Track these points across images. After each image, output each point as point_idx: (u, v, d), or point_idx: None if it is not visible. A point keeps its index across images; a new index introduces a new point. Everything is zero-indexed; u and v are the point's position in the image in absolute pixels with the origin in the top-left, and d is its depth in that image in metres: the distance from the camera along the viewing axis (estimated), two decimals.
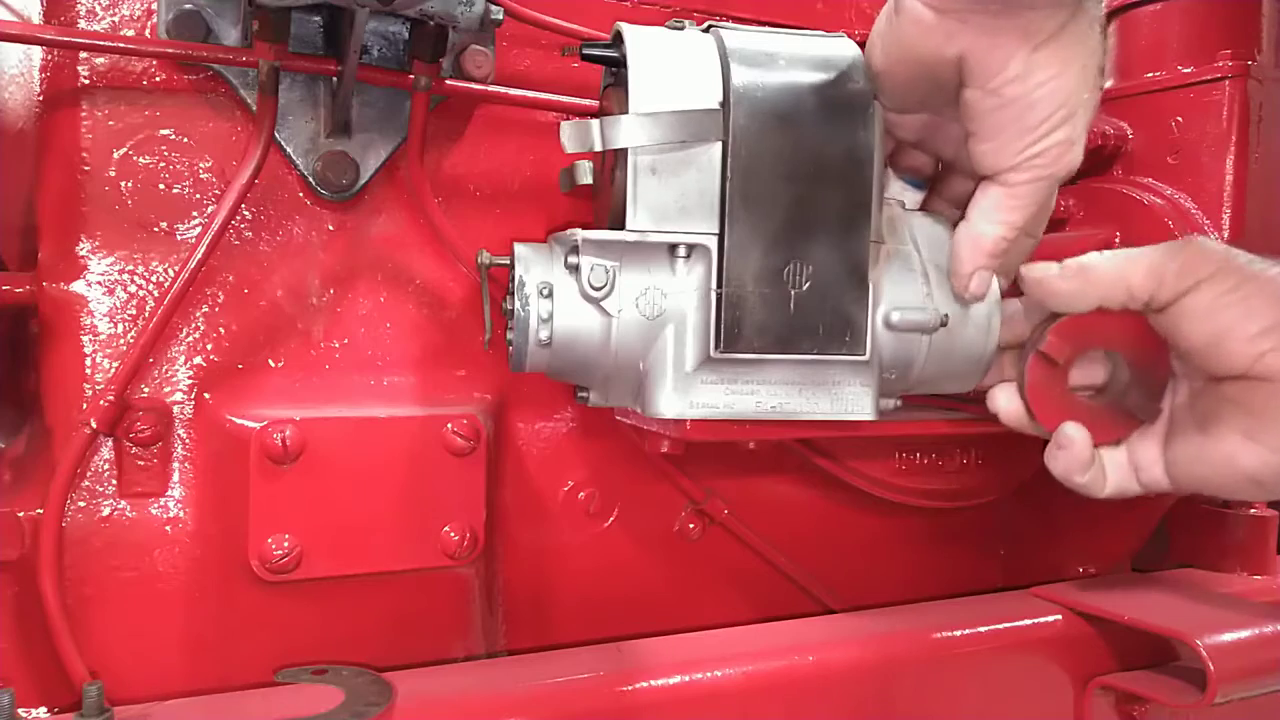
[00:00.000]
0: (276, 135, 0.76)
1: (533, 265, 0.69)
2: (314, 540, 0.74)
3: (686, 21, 0.72)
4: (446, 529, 0.78)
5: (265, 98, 0.74)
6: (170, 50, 0.72)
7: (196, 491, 0.75)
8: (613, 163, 0.69)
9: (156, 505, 0.75)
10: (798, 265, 0.67)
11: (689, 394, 0.68)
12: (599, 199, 0.76)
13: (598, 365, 0.70)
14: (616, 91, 0.71)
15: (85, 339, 0.74)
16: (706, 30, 0.71)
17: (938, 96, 0.68)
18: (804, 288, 0.67)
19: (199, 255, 0.73)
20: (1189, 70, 0.99)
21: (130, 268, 0.75)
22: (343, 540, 0.75)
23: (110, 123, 0.74)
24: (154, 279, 0.75)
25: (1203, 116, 0.97)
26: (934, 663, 0.85)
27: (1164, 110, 1.01)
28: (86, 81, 0.73)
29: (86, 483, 0.73)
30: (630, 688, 0.73)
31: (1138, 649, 0.93)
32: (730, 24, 0.72)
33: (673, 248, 0.68)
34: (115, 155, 0.74)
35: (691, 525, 0.95)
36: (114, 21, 0.74)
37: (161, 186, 0.75)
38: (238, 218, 0.77)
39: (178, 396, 0.76)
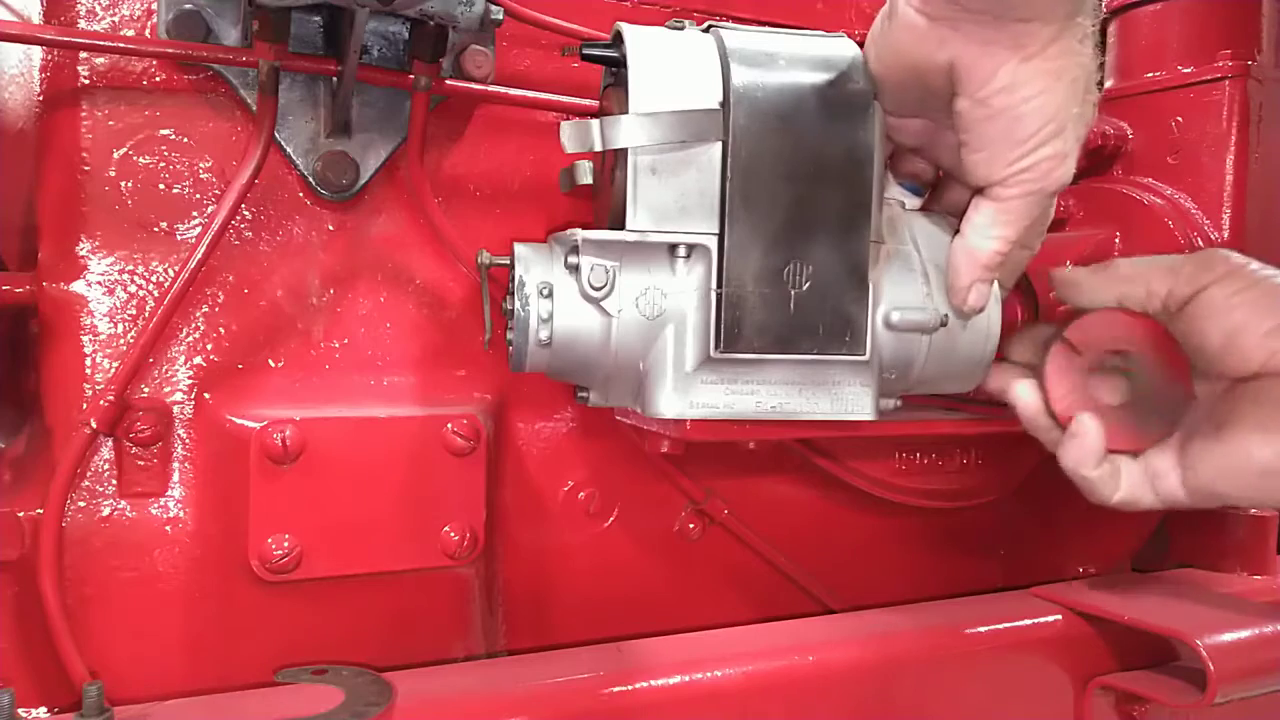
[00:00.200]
0: (276, 135, 0.76)
1: (533, 265, 0.69)
2: (314, 540, 0.74)
3: (686, 21, 0.72)
4: (446, 529, 0.78)
5: (265, 98, 0.74)
6: (170, 50, 0.72)
7: (196, 491, 0.75)
8: (613, 163, 0.69)
9: (156, 505, 0.75)
10: (798, 265, 0.67)
11: (689, 394, 0.68)
12: (599, 199, 0.76)
13: (598, 365, 0.70)
14: (616, 91, 0.71)
15: (85, 339, 0.74)
16: (706, 30, 0.71)
17: (932, 102, 0.68)
18: (804, 288, 0.68)
19: (199, 255, 0.73)
20: (1189, 70, 0.99)
21: (130, 268, 0.75)
22: (343, 540, 0.75)
23: (110, 123, 0.74)
24: (154, 279, 0.75)
25: (1203, 116, 0.97)
26: (934, 663, 0.85)
27: (1164, 110, 1.01)
28: (86, 81, 0.73)
29: (86, 483, 0.73)
30: (630, 688, 0.73)
31: (1138, 649, 0.93)
32: (730, 24, 0.72)
33: (673, 248, 0.68)
34: (115, 155, 0.74)
35: (691, 525, 0.95)
36: (114, 21, 0.74)
37: (161, 186, 0.75)
38: (238, 218, 0.77)
39: (178, 396, 0.76)
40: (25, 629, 0.72)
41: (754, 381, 0.69)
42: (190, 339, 0.77)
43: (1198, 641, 0.81)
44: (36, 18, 0.76)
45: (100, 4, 0.74)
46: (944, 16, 0.61)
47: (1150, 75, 1.03)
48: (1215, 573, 1.07)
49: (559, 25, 0.83)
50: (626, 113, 0.66)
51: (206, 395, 0.76)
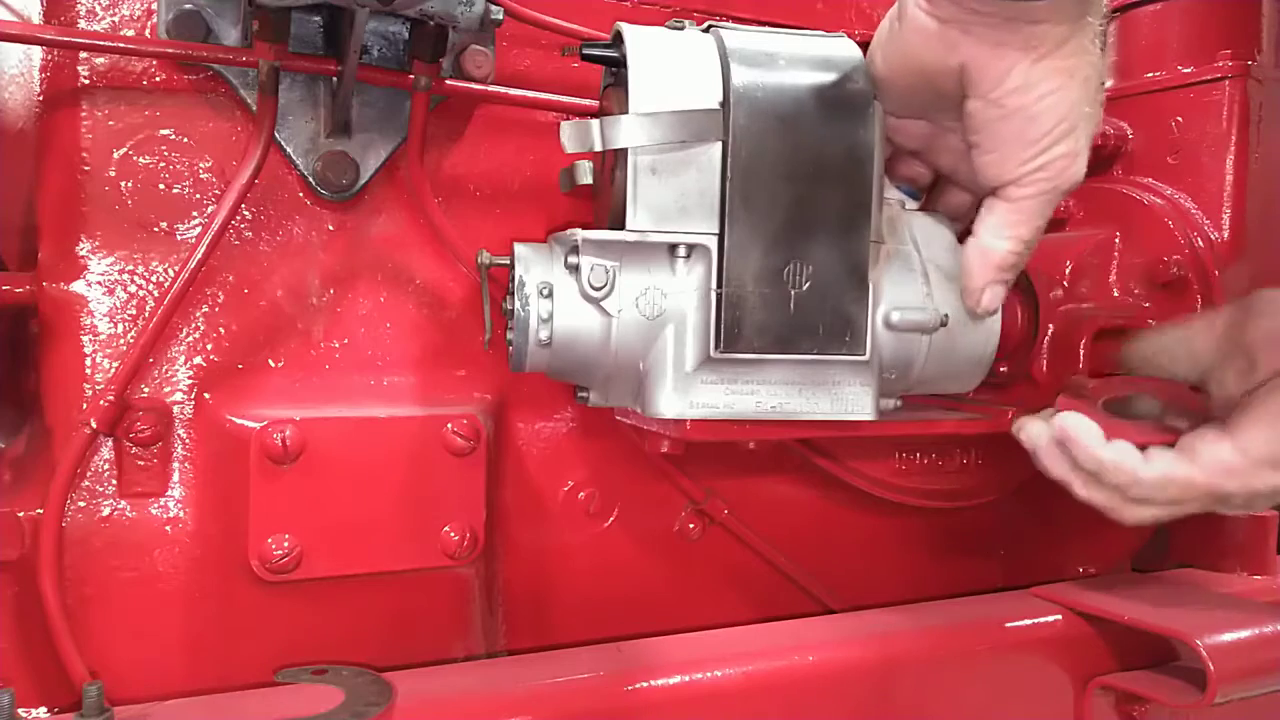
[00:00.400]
0: (276, 135, 0.76)
1: (533, 265, 0.69)
2: (314, 540, 0.74)
3: (686, 21, 0.72)
4: (446, 529, 0.78)
5: (265, 98, 0.74)
6: (170, 50, 0.72)
7: (196, 491, 0.75)
8: (613, 163, 0.69)
9: (156, 505, 0.75)
10: (798, 265, 0.67)
11: (689, 394, 0.68)
12: (599, 199, 0.76)
13: (598, 365, 0.70)
14: (616, 91, 0.71)
15: (85, 339, 0.74)
16: (706, 30, 0.71)
17: (938, 105, 0.68)
18: (804, 288, 0.68)
19: (199, 255, 0.73)
20: (1189, 70, 0.99)
21: (130, 268, 0.75)
22: (343, 540, 0.75)
23: (110, 123, 0.74)
24: (154, 279, 0.75)
25: (1203, 116, 0.98)
26: (934, 663, 0.85)
27: (1164, 110, 1.01)
28: (86, 81, 0.73)
29: (86, 483, 0.73)
30: (630, 688, 0.73)
31: (1138, 649, 0.93)
32: (730, 24, 0.72)
33: (673, 248, 0.68)
34: (115, 155, 0.74)
35: (691, 525, 0.95)
36: (114, 21, 0.74)
37: (161, 186, 0.75)
38: (238, 218, 0.77)
39: (178, 396, 0.76)
40: (25, 629, 0.72)
41: (754, 381, 0.69)
42: (190, 339, 0.77)
43: (1198, 641, 0.81)
44: (36, 18, 0.76)
45: (100, 4, 0.74)
46: (955, 19, 0.61)
47: (1150, 75, 1.03)
48: (1215, 573, 1.07)
49: (559, 25, 0.83)
50: (626, 113, 0.66)
51: (206, 395, 0.76)
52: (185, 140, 0.76)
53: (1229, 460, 0.68)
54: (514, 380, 0.85)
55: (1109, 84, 1.07)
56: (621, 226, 0.66)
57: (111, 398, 0.71)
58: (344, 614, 0.78)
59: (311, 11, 0.75)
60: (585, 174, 0.72)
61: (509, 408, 0.87)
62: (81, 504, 0.73)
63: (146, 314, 0.74)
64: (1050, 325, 0.94)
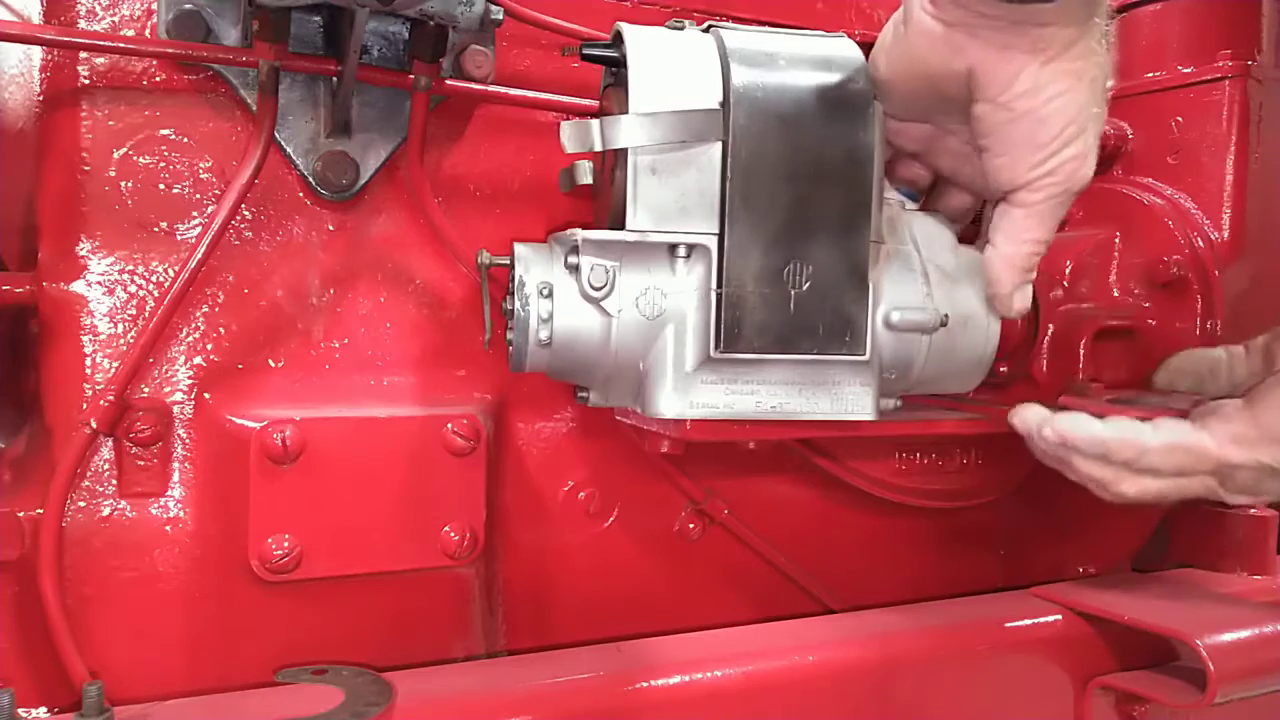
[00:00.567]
0: (276, 135, 0.76)
1: (533, 265, 0.69)
2: (314, 540, 0.74)
3: (686, 21, 0.72)
4: (446, 529, 0.78)
5: (265, 98, 0.74)
6: (170, 50, 0.72)
7: (196, 491, 0.75)
8: (613, 163, 0.69)
9: (156, 505, 0.75)
10: (798, 265, 0.67)
11: (689, 394, 0.68)
12: (599, 199, 0.76)
13: (598, 365, 0.70)
14: (616, 91, 0.71)
15: (85, 339, 0.74)
16: (706, 30, 0.71)
17: (942, 109, 0.68)
18: (804, 288, 0.68)
19: (199, 255, 0.73)
20: (1189, 70, 0.99)
21: (130, 268, 0.75)
22: (343, 540, 0.75)
23: (110, 123, 0.74)
24: (154, 279, 0.75)
25: (1203, 116, 0.98)
26: (934, 663, 0.85)
27: (1164, 110, 1.01)
28: (86, 81, 0.73)
29: (86, 483, 0.73)
30: (630, 688, 0.73)
31: (1138, 649, 0.93)
32: (730, 24, 0.72)
33: (673, 248, 0.68)
34: (115, 155, 0.74)
35: (691, 525, 0.95)
36: (114, 21, 0.74)
37: (161, 186, 0.75)
38: (238, 218, 0.77)
39: (178, 396, 0.76)
40: (25, 629, 0.72)
41: (754, 381, 0.69)
42: (190, 339, 0.77)
43: (1198, 641, 0.81)
44: (36, 18, 0.76)
45: (100, 4, 0.74)
46: (962, 23, 0.61)
47: (1150, 75, 1.03)
48: (1215, 573, 1.07)
49: (559, 25, 0.83)
50: (626, 113, 0.66)
51: (206, 395, 0.76)
52: (185, 140, 0.76)
53: (1242, 430, 0.69)
54: (514, 380, 0.85)
55: (1109, 84, 1.07)
56: (621, 226, 0.66)
57: (111, 398, 0.71)
58: (344, 614, 0.78)
59: (311, 11, 0.75)
60: (585, 174, 0.72)
61: (509, 408, 0.87)
62: (81, 504, 0.73)
63: (146, 314, 0.74)
64: (1050, 325, 0.94)
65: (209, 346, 0.77)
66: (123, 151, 0.74)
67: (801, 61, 0.68)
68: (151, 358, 0.75)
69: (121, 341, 0.74)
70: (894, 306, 0.71)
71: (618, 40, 0.70)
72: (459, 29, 0.68)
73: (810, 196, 0.67)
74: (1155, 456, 0.71)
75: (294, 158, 0.78)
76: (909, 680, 0.84)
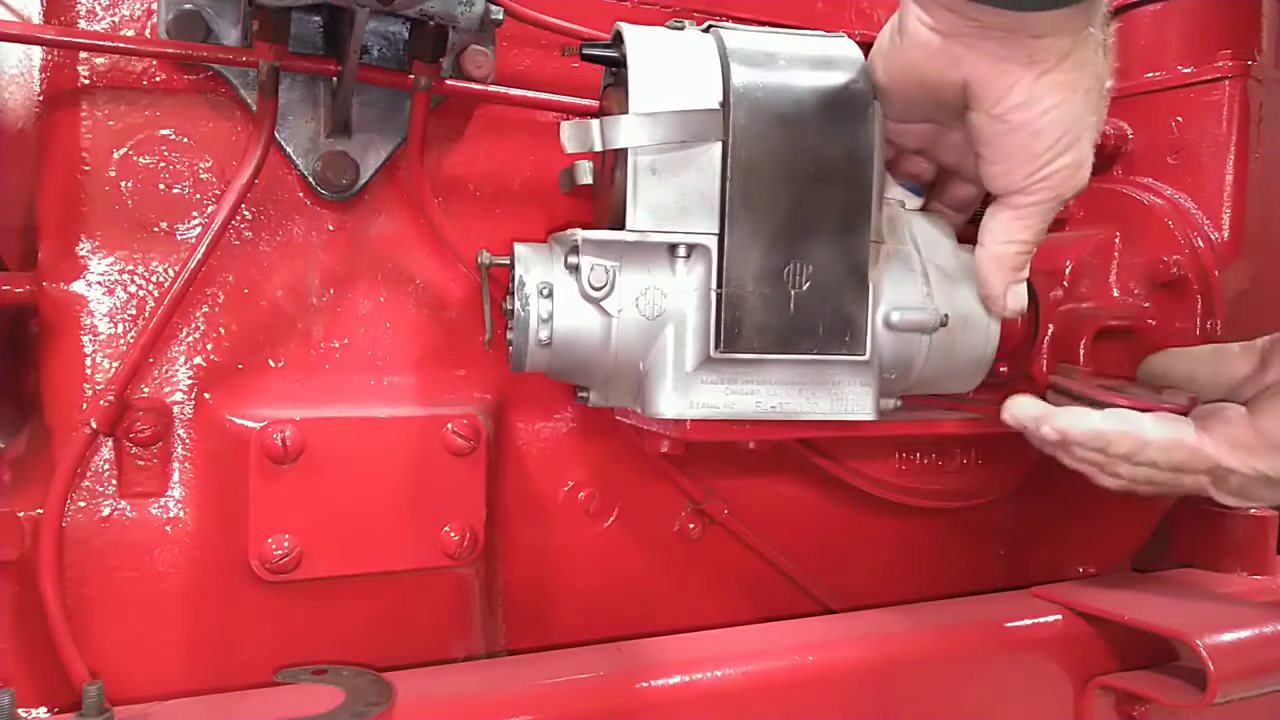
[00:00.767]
0: (276, 135, 0.76)
1: (533, 265, 0.69)
2: (314, 540, 0.74)
3: (686, 21, 0.72)
4: (446, 529, 0.78)
5: (265, 98, 0.74)
6: (170, 50, 0.72)
7: (196, 491, 0.75)
8: (613, 163, 0.69)
9: (156, 505, 0.75)
10: (798, 265, 0.67)
11: (689, 394, 0.68)
12: (599, 199, 0.76)
13: (598, 365, 0.70)
14: (616, 91, 0.71)
15: (85, 339, 0.74)
16: (706, 30, 0.71)
17: (940, 114, 0.69)
18: (804, 288, 0.68)
19: (199, 255, 0.73)
20: (1189, 70, 0.99)
21: (130, 268, 0.75)
22: (343, 540, 0.75)
23: (110, 123, 0.74)
24: (154, 279, 0.75)
25: (1203, 116, 0.97)
26: (934, 663, 0.85)
27: (1164, 110, 1.01)
28: (86, 81, 0.73)
29: (86, 483, 0.73)
30: (630, 688, 0.73)
31: (1138, 649, 0.93)
32: (730, 24, 0.72)
33: (673, 248, 0.68)
34: (115, 155, 0.74)
35: (691, 525, 0.95)
36: (114, 21, 0.74)
37: (161, 186, 0.75)
38: (238, 218, 0.77)
39: (178, 396, 0.76)
40: (25, 629, 0.72)
41: (754, 381, 0.69)
42: (190, 339, 0.77)
43: (1198, 641, 0.81)
44: (36, 18, 0.76)
45: (100, 4, 0.74)
46: (958, 34, 0.61)
47: (1150, 75, 1.03)
48: (1215, 573, 1.07)
49: (559, 25, 0.83)
50: (626, 113, 0.66)
51: (206, 395, 0.76)
52: (185, 140, 0.76)
53: (1241, 436, 0.69)
54: (514, 380, 0.85)
55: (1108, 84, 1.07)
56: (621, 226, 0.66)
57: (111, 398, 0.71)
58: (344, 614, 0.78)
59: (311, 11, 0.75)
60: (585, 174, 0.72)
61: (509, 408, 0.87)
62: (81, 504, 0.73)
63: (146, 314, 0.74)
64: (1050, 325, 0.94)
65: (209, 346, 0.77)
66: (123, 151, 0.74)
67: (801, 61, 0.68)
68: (151, 358, 0.75)
69: (121, 341, 0.74)
70: (894, 306, 0.71)
71: (618, 40, 0.70)
72: (459, 29, 0.68)
73: (810, 196, 0.67)
74: (1155, 451, 0.71)
75: (294, 158, 0.78)
76: (909, 680, 0.84)
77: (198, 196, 0.76)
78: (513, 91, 0.82)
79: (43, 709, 0.73)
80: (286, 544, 0.73)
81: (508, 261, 0.71)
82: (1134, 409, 0.73)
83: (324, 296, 0.81)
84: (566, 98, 0.84)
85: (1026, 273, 0.71)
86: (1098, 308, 0.97)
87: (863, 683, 0.82)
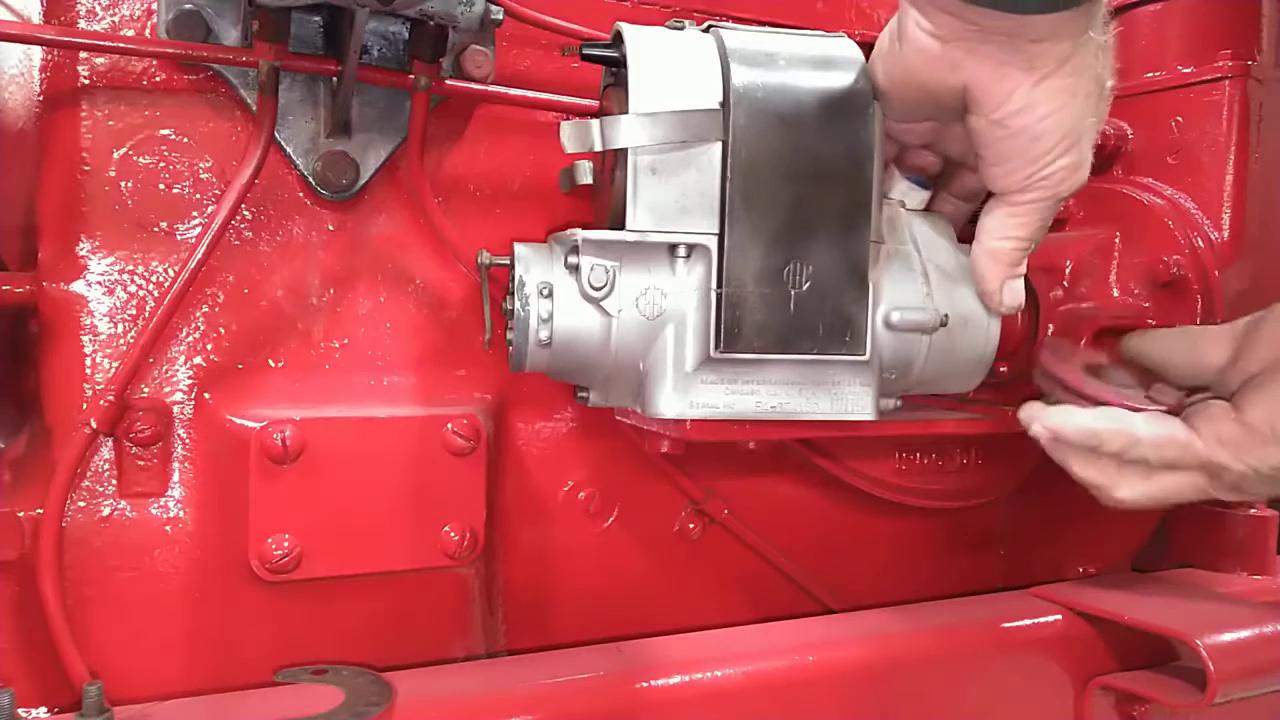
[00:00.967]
0: (276, 135, 0.76)
1: (533, 265, 0.69)
2: (314, 540, 0.74)
3: (686, 21, 0.72)
4: (446, 529, 0.78)
5: (265, 98, 0.74)
6: (170, 50, 0.72)
7: (196, 491, 0.75)
8: (613, 163, 0.69)
9: (156, 505, 0.75)
10: (798, 265, 0.67)
11: (689, 394, 0.68)
12: (599, 199, 0.76)
13: (598, 365, 0.70)
14: (616, 91, 0.71)
15: (85, 339, 0.74)
16: (706, 30, 0.71)
17: (941, 115, 0.69)
18: (804, 288, 0.68)
19: (199, 255, 0.73)
20: (1189, 70, 0.99)
21: (130, 268, 0.75)
22: (343, 540, 0.75)
23: (110, 123, 0.74)
24: (154, 279, 0.75)
25: (1203, 116, 0.97)
26: (934, 663, 0.85)
27: (1164, 110, 1.01)
28: (86, 81, 0.73)
29: (86, 483, 0.73)
30: (630, 688, 0.73)
31: (1138, 649, 0.93)
32: (730, 24, 0.72)
33: (673, 248, 0.68)
34: (115, 155, 0.74)
35: (691, 525, 0.95)
36: (114, 21, 0.74)
37: (161, 186, 0.75)
38: (238, 218, 0.77)
39: (178, 396, 0.76)
40: (25, 629, 0.72)
41: (754, 381, 0.69)
42: (190, 339, 0.77)
43: (1198, 641, 0.81)
44: (36, 18, 0.76)
45: (100, 4, 0.74)
46: (957, 38, 0.61)
47: (1150, 75, 1.03)
48: (1215, 573, 1.07)
49: (559, 25, 0.83)
50: (626, 113, 0.66)
51: (206, 395, 0.76)
52: (185, 140, 0.76)
53: (1230, 432, 0.69)
54: (514, 380, 0.85)
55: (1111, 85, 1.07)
56: (621, 226, 0.66)
57: (111, 398, 0.71)
58: (344, 614, 0.78)
59: (311, 11, 0.75)
60: (585, 174, 0.72)
61: (509, 408, 0.87)
62: (81, 504, 0.73)
63: (146, 314, 0.74)
64: (1050, 325, 0.94)
65: (209, 346, 0.77)
66: (123, 151, 0.74)
67: (801, 61, 0.68)
68: (151, 358, 0.75)
69: (121, 341, 0.74)
70: (894, 306, 0.71)
71: (618, 40, 0.70)
72: (459, 29, 0.68)
73: (810, 196, 0.67)
74: (1146, 449, 0.71)
75: (294, 158, 0.78)
76: (909, 680, 0.84)
77: (198, 196, 0.76)
78: (513, 91, 0.82)
79: (43, 709, 0.73)
80: (286, 544, 0.73)
81: (508, 261, 0.71)
82: (1124, 408, 0.73)
83: (324, 296, 0.81)
84: (566, 98, 0.84)
85: (1023, 269, 0.71)
86: (1098, 307, 0.97)
87: (863, 683, 0.82)
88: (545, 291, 0.68)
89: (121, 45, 0.72)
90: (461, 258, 0.83)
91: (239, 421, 0.74)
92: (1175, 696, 0.87)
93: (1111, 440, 0.71)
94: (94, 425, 0.71)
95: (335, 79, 0.76)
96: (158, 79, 0.75)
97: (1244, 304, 0.96)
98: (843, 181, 0.68)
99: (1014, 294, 0.72)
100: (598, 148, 0.65)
